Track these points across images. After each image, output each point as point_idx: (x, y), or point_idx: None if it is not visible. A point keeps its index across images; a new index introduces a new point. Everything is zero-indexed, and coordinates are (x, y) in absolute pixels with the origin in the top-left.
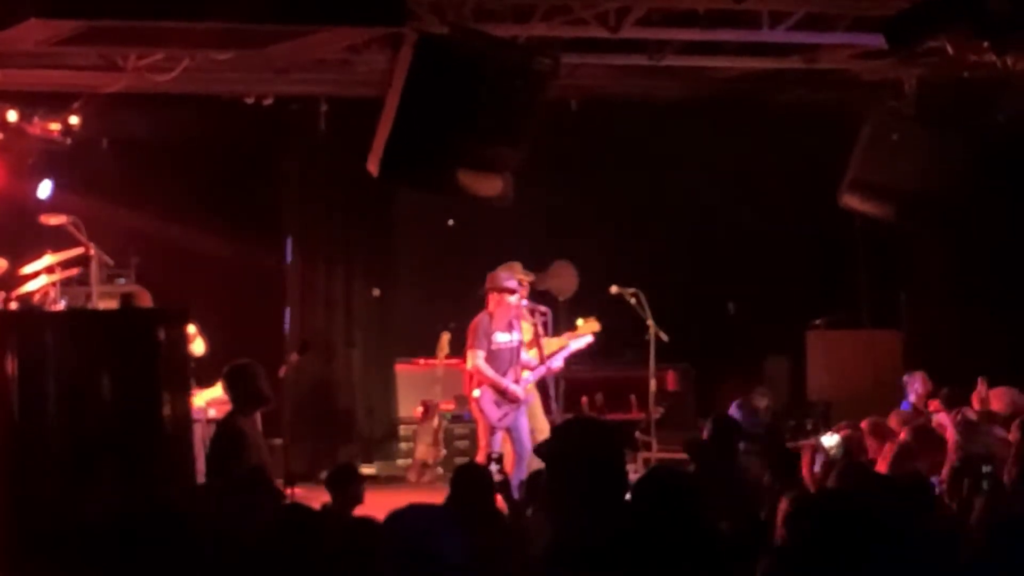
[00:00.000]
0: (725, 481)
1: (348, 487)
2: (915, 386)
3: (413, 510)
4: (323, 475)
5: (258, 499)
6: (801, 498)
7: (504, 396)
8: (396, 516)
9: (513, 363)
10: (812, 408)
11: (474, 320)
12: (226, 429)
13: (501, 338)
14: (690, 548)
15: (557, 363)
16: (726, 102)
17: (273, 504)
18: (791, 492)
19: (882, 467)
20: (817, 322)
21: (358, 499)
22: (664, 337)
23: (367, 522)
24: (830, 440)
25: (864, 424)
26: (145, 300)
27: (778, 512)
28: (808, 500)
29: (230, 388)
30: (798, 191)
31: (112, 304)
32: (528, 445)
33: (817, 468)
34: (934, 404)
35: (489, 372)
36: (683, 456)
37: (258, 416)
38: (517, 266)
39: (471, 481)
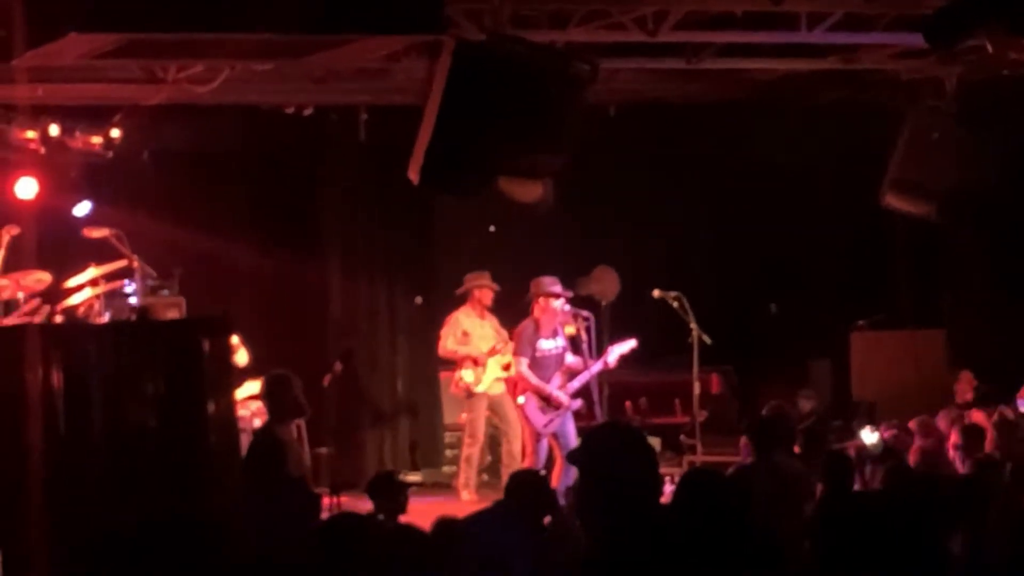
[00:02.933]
0: (769, 482)
1: (390, 495)
2: (961, 385)
3: (477, 516)
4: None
5: (301, 509)
6: (840, 499)
7: (549, 402)
8: (459, 522)
9: (558, 369)
10: (857, 409)
11: (519, 327)
12: (265, 439)
13: (546, 345)
14: (730, 551)
15: (597, 367)
16: (765, 104)
17: (315, 514)
18: (832, 493)
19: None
20: (860, 323)
21: (401, 508)
22: (707, 340)
23: (411, 530)
24: (870, 437)
25: (912, 423)
26: (172, 312)
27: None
28: (848, 501)
29: (267, 398)
30: (839, 192)
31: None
32: None
33: (868, 472)
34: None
35: (533, 379)
36: (728, 459)
37: (294, 426)
38: (486, 275)
39: (526, 487)
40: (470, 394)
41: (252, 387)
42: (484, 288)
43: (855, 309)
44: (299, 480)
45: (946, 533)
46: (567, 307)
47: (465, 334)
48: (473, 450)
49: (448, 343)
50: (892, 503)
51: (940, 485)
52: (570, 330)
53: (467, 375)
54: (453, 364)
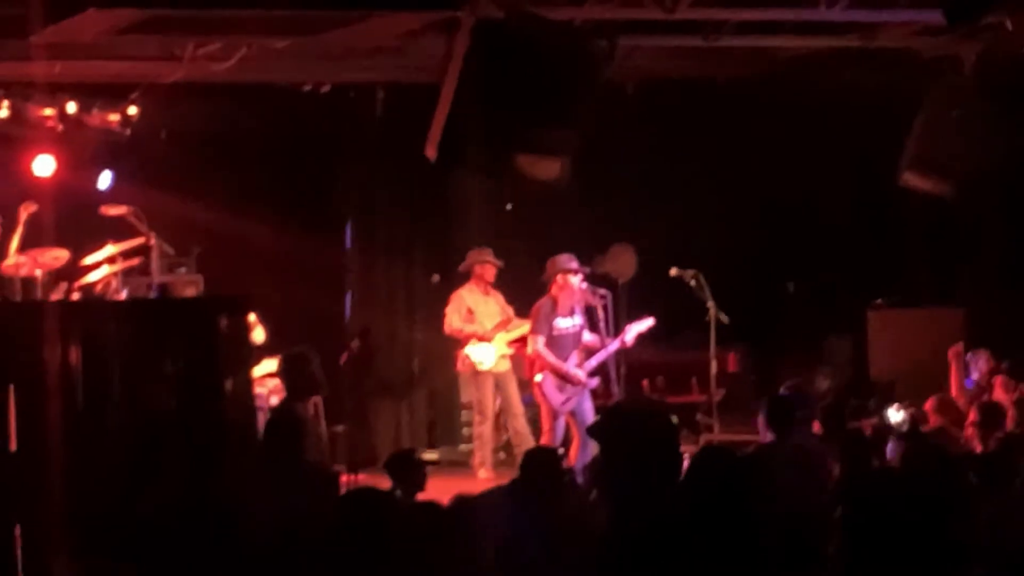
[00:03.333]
0: (786, 461)
1: (408, 473)
2: (979, 364)
3: (492, 493)
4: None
5: (318, 486)
6: (862, 477)
7: (566, 381)
8: (476, 499)
9: (575, 347)
10: (875, 387)
11: (536, 305)
12: (283, 416)
13: (563, 323)
14: (746, 528)
15: (614, 345)
16: (783, 82)
17: (333, 491)
18: (852, 471)
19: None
20: (878, 301)
21: (419, 486)
22: (724, 319)
23: (429, 506)
24: (896, 415)
25: (930, 402)
26: (189, 290)
27: (835, 489)
28: (870, 480)
29: (285, 375)
30: (856, 170)
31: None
32: None
33: (889, 450)
34: (999, 380)
35: (550, 357)
36: (746, 437)
37: (312, 403)
38: (487, 251)
39: (541, 464)
40: (476, 372)
41: (270, 365)
42: (486, 264)
43: (873, 287)
44: (316, 458)
45: (971, 511)
46: (584, 285)
47: (470, 312)
48: (484, 428)
49: (453, 321)
50: (914, 481)
51: (965, 462)
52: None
53: (473, 352)
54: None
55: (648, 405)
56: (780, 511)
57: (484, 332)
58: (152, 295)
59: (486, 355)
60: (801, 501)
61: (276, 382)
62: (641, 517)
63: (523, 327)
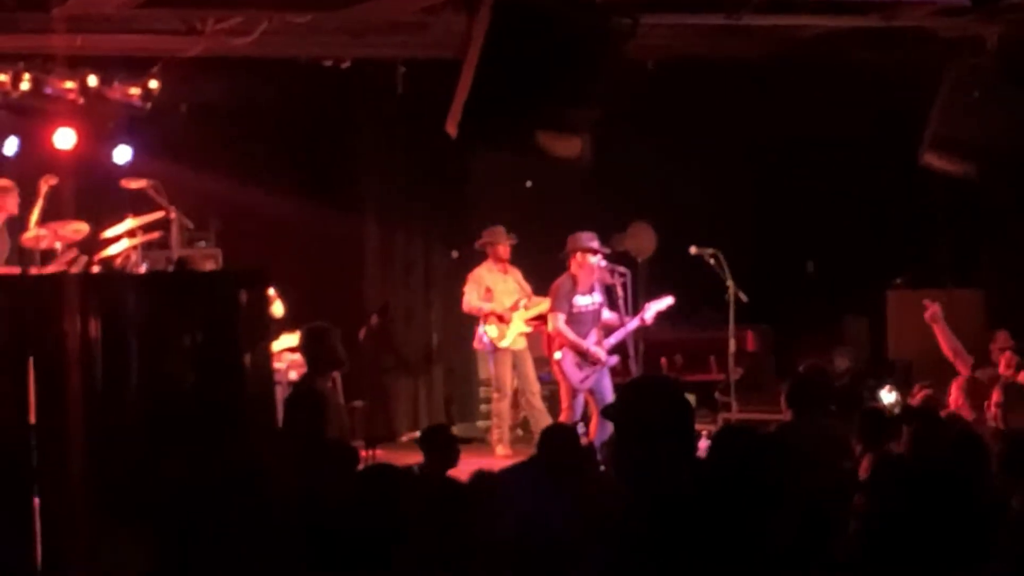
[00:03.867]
0: (807, 441)
1: (442, 449)
2: (998, 344)
3: (511, 469)
4: (404, 437)
5: (338, 462)
6: (886, 460)
7: (586, 358)
8: (496, 475)
9: (594, 325)
10: (893, 368)
11: (555, 282)
12: (304, 391)
13: (582, 301)
14: (763, 505)
15: (634, 324)
16: (804, 61)
17: (353, 466)
18: (876, 453)
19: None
20: (897, 281)
21: (452, 462)
22: (743, 298)
23: (449, 481)
24: (888, 397)
25: (959, 383)
26: (208, 264)
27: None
28: (888, 463)
29: (306, 350)
30: (877, 150)
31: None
32: None
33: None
34: (1005, 357)
35: (570, 334)
36: (763, 416)
37: (333, 378)
38: (500, 229)
39: (560, 441)
40: (495, 349)
41: (290, 339)
42: (500, 243)
43: (893, 267)
44: (337, 433)
45: (1008, 489)
46: (604, 263)
47: (488, 290)
48: (502, 404)
49: (472, 299)
50: (929, 465)
51: (999, 440)
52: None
53: (491, 330)
54: (477, 319)
55: (662, 383)
56: (799, 490)
57: (503, 311)
58: (170, 268)
59: (504, 333)
60: (819, 480)
61: (295, 357)
62: (657, 494)
63: (541, 305)
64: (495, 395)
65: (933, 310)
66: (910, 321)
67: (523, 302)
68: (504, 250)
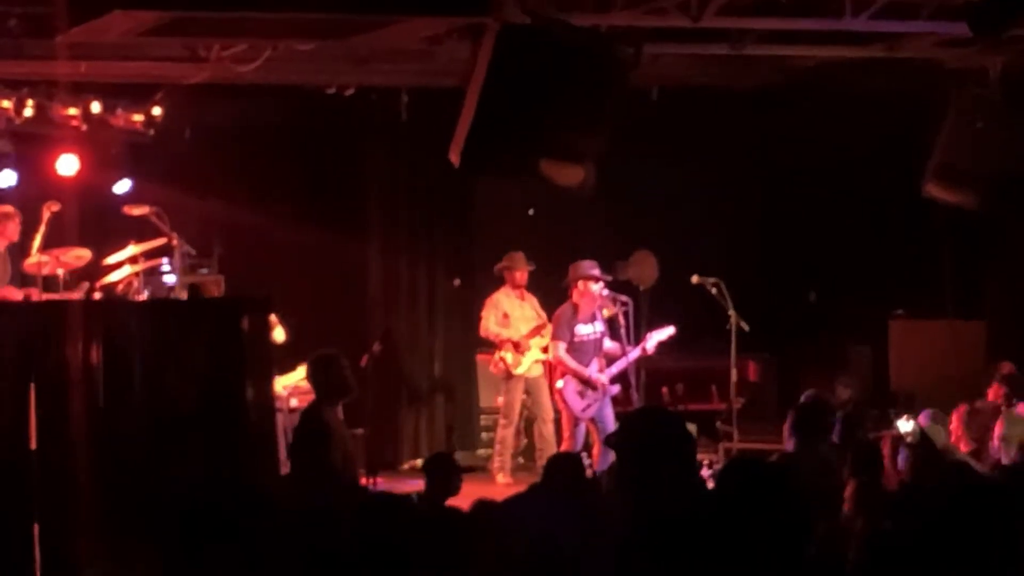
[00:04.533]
0: (810, 470)
1: (446, 476)
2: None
3: (517, 499)
4: (405, 465)
5: (341, 492)
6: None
7: (588, 386)
8: (498, 504)
9: (596, 354)
10: (895, 398)
11: (557, 311)
12: (311, 419)
13: (584, 329)
14: (770, 536)
15: (635, 353)
16: (807, 91)
17: (355, 497)
18: (862, 480)
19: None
20: (900, 311)
21: (454, 490)
22: (745, 327)
23: (450, 511)
24: (906, 426)
25: (959, 413)
26: (213, 291)
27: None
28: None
29: (315, 377)
30: (880, 180)
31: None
32: None
33: (900, 461)
34: (992, 389)
35: (571, 363)
36: (765, 446)
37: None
38: (520, 256)
39: (565, 470)
40: (509, 375)
41: (300, 373)
42: (518, 269)
43: (896, 297)
44: (342, 463)
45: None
46: (606, 291)
47: (505, 316)
48: (507, 432)
49: (490, 325)
50: (927, 497)
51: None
52: (607, 312)
53: (507, 356)
54: (492, 345)
55: (664, 414)
56: (801, 519)
57: (519, 338)
58: (178, 294)
59: (520, 360)
60: (821, 509)
61: (295, 384)
62: (658, 523)
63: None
64: (502, 421)
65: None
66: (912, 351)
67: (546, 329)
68: (522, 276)
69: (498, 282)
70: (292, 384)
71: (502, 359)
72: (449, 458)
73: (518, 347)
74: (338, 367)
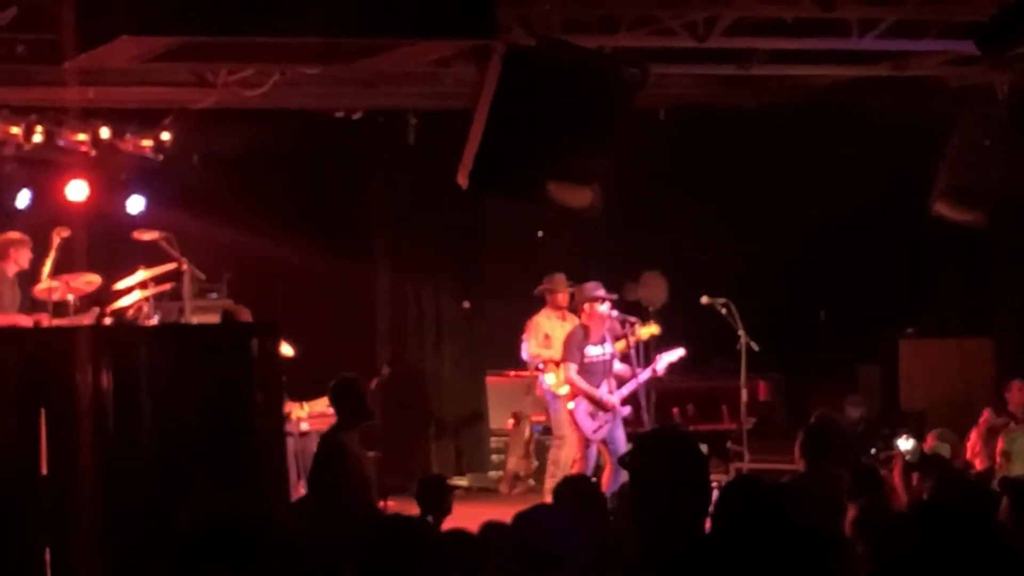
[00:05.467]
0: (820, 491)
1: (438, 499)
2: (1012, 395)
3: (538, 512)
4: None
5: (356, 517)
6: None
7: (599, 407)
8: (506, 526)
9: (606, 375)
10: (906, 417)
11: (568, 333)
12: (328, 444)
13: (594, 351)
14: (774, 558)
15: (646, 375)
16: (815, 110)
17: (368, 518)
18: (862, 503)
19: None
20: (909, 330)
21: (446, 510)
22: (755, 347)
23: (460, 533)
24: (906, 444)
25: (979, 430)
26: (245, 316)
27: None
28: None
29: (335, 401)
30: (888, 198)
31: (205, 319)
32: None
33: (914, 479)
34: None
35: (582, 384)
36: (776, 466)
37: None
38: (560, 277)
39: (576, 492)
40: (554, 396)
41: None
42: (560, 291)
43: (905, 316)
44: (358, 486)
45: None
46: (615, 312)
47: (547, 337)
48: (561, 452)
49: (532, 347)
50: (940, 519)
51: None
52: (620, 345)
53: (549, 378)
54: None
55: (678, 435)
56: (809, 540)
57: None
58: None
59: (562, 380)
60: (829, 531)
61: (306, 410)
62: (670, 546)
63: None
64: (555, 442)
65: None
66: (922, 370)
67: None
68: (563, 298)
69: (537, 304)
70: (318, 411)
71: (544, 381)
72: (437, 479)
73: (559, 366)
74: (358, 391)
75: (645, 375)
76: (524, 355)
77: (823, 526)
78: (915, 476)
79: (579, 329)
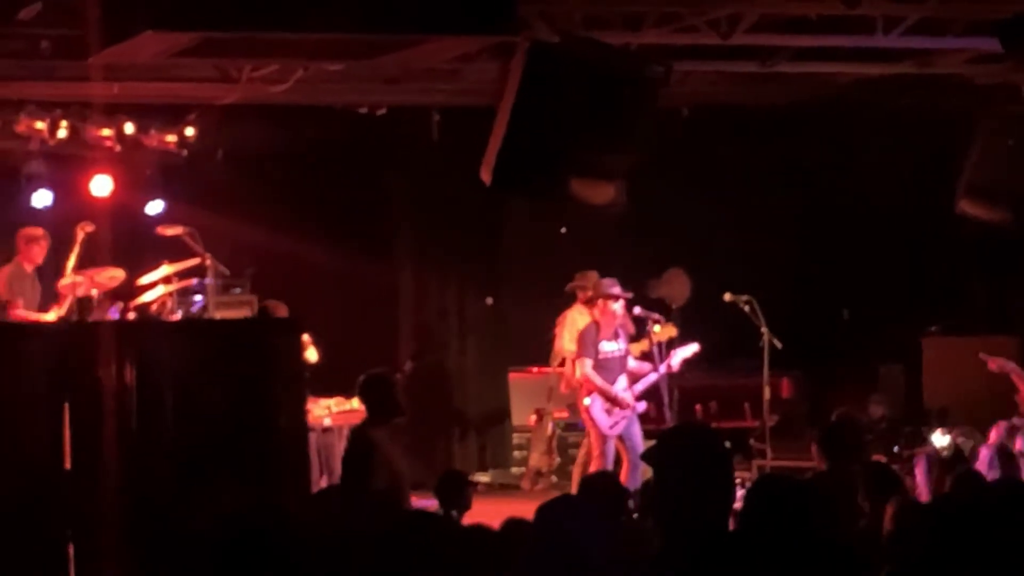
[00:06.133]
0: (841, 489)
1: (457, 494)
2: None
3: (562, 506)
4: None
5: (380, 514)
6: (909, 507)
7: (615, 404)
8: (529, 523)
9: (621, 371)
10: (928, 415)
11: (581, 330)
12: (357, 441)
13: (608, 347)
14: (799, 557)
15: (660, 371)
16: (838, 108)
17: (394, 513)
18: (896, 500)
19: None
20: (932, 328)
21: (467, 506)
22: (778, 344)
23: (482, 529)
24: (941, 440)
25: (1000, 429)
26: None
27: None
28: (917, 509)
29: (366, 397)
30: (912, 196)
31: (228, 314)
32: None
33: (932, 475)
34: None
35: (598, 380)
36: (798, 464)
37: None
38: (593, 274)
39: (599, 489)
40: None
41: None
42: (590, 288)
43: (928, 314)
44: (389, 482)
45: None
46: (636, 309)
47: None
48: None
49: (564, 342)
50: (962, 514)
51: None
52: (642, 345)
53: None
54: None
55: (702, 431)
56: (832, 539)
57: None
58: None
59: None
60: (851, 529)
61: (329, 404)
62: (693, 542)
63: (637, 347)
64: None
65: (998, 362)
66: (946, 368)
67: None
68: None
69: (568, 300)
70: (339, 409)
71: (574, 377)
72: (457, 474)
73: None
74: (389, 387)
75: (660, 371)
76: (557, 350)
77: (845, 525)
78: (936, 473)
79: (592, 325)
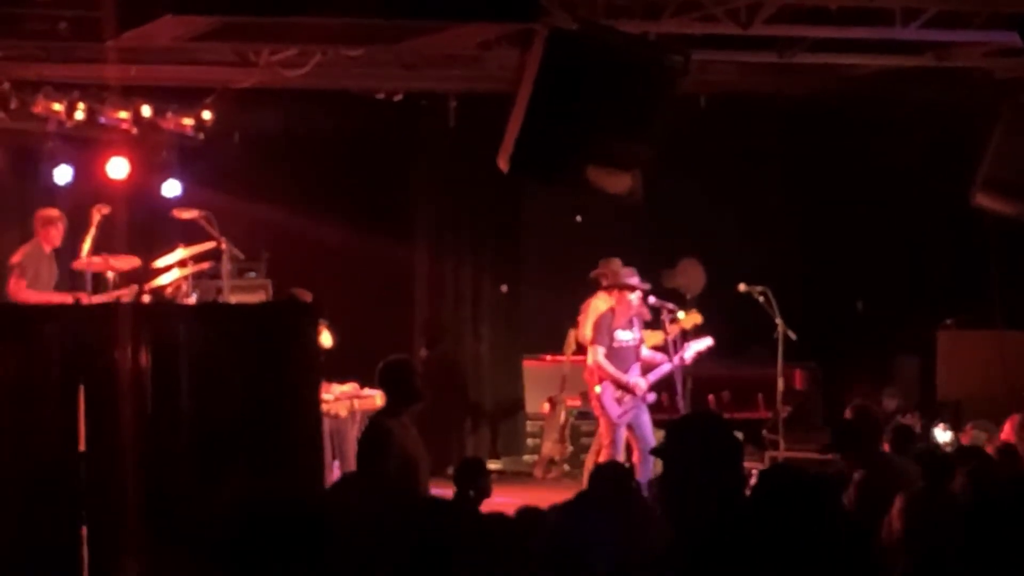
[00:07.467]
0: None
1: (476, 481)
2: None
3: (563, 506)
4: (450, 470)
5: (393, 501)
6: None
7: (626, 391)
8: (543, 511)
9: (635, 360)
10: (942, 409)
11: (596, 317)
12: (372, 428)
13: (623, 336)
14: (813, 546)
15: (673, 363)
16: (857, 100)
17: (407, 500)
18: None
19: None
20: (948, 322)
21: (486, 493)
22: (792, 336)
23: (497, 516)
24: (943, 435)
25: (1013, 422)
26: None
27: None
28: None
29: (385, 384)
30: (929, 189)
31: (243, 298)
32: (651, 441)
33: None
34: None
35: (610, 368)
36: (811, 455)
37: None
38: (616, 262)
39: (611, 479)
40: None
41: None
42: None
43: (944, 307)
44: (402, 469)
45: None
46: (652, 299)
47: None
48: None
49: (587, 330)
50: (983, 507)
51: None
52: (657, 336)
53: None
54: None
55: (713, 421)
56: (847, 530)
57: None
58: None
59: None
60: (867, 520)
61: (342, 391)
62: (705, 534)
63: (653, 337)
64: None
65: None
66: (960, 361)
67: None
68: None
69: (591, 288)
70: (348, 393)
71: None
72: (477, 462)
73: None
74: (409, 373)
75: (673, 363)
76: (579, 338)
77: (856, 516)
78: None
79: (608, 312)
